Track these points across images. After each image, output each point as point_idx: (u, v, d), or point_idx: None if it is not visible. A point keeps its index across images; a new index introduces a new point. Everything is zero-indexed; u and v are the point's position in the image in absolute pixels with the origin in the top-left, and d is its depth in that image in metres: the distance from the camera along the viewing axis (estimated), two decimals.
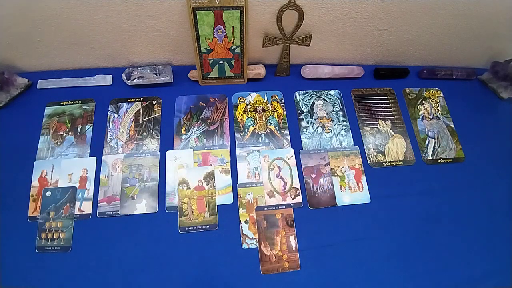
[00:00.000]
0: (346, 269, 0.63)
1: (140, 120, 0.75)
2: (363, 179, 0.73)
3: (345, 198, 0.70)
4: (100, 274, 0.61)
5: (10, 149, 0.70)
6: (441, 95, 0.86)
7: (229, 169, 0.71)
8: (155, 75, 0.78)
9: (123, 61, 0.80)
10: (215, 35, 0.71)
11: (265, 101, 0.80)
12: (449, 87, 0.87)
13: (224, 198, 0.68)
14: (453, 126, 0.81)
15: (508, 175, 0.76)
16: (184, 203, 0.67)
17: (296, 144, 0.75)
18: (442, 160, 0.77)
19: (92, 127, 0.74)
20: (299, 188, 0.70)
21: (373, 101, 0.83)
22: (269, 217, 0.67)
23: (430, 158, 0.77)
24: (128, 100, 0.77)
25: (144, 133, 0.74)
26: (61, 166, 0.69)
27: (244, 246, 0.64)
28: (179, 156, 0.71)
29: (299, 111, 0.79)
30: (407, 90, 0.86)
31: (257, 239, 0.64)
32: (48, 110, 0.75)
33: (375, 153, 0.76)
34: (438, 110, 0.83)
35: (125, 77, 0.76)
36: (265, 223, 0.66)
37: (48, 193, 0.66)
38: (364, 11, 0.70)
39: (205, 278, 0.61)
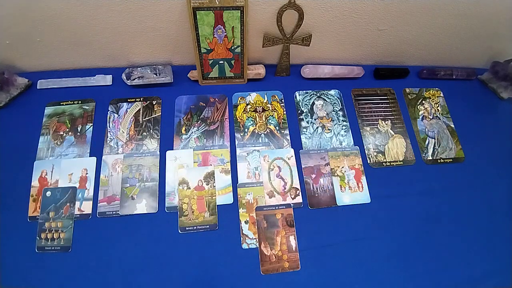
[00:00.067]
0: (346, 269, 0.63)
1: (140, 120, 0.75)
2: (363, 179, 0.73)
3: (345, 198, 0.70)
4: (100, 274, 0.61)
5: (10, 149, 0.70)
6: (441, 95, 0.86)
7: (229, 169, 0.71)
8: (155, 75, 0.78)
9: (123, 61, 0.80)
10: (215, 35, 0.71)
11: (265, 101, 0.80)
12: (449, 87, 0.87)
13: (224, 198, 0.68)
14: (453, 126, 0.81)
15: (508, 175, 0.76)
16: (184, 203, 0.67)
17: (296, 144, 0.75)
18: (442, 160, 0.77)
19: (92, 127, 0.74)
20: (299, 188, 0.70)
21: (373, 101, 0.83)
22: (269, 217, 0.67)
23: (430, 158, 0.77)
24: (128, 100, 0.77)
25: (144, 133, 0.74)
26: (61, 166, 0.69)
27: (244, 246, 0.64)
28: (179, 156, 0.71)
29: (299, 111, 0.79)
30: (407, 90, 0.86)
31: (257, 239, 0.64)
32: (48, 110, 0.75)
33: (375, 153, 0.76)
34: (438, 110, 0.83)
35: (125, 77, 0.76)
36: (265, 223, 0.66)
37: (48, 193, 0.66)
38: (364, 11, 0.70)
39: (205, 278, 0.61)
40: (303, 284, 0.62)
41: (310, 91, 0.82)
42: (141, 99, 0.77)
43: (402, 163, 0.75)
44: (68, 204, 0.66)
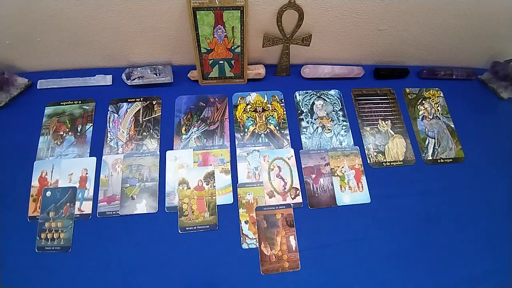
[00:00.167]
0: (346, 269, 0.63)
1: (140, 120, 0.75)
2: (363, 179, 0.73)
3: (345, 198, 0.70)
4: (100, 274, 0.61)
5: (10, 149, 0.70)
6: (441, 95, 0.86)
7: (229, 169, 0.71)
8: (155, 75, 0.78)
9: (123, 61, 0.80)
10: (215, 35, 0.70)
11: (265, 101, 0.80)
12: (449, 87, 0.87)
13: (224, 198, 0.68)
14: (453, 126, 0.81)
15: (508, 175, 0.76)
16: (184, 203, 0.67)
17: (296, 144, 0.75)
18: (442, 160, 0.77)
19: (92, 127, 0.74)
20: (299, 188, 0.70)
21: (373, 101, 0.83)
22: (269, 217, 0.67)
23: (430, 158, 0.77)
24: (128, 100, 0.77)
25: (144, 133, 0.74)
26: (61, 166, 0.69)
27: (244, 246, 0.64)
28: (179, 156, 0.71)
29: (299, 111, 0.79)
30: (407, 90, 0.86)
31: (257, 239, 0.64)
32: (48, 110, 0.75)
33: (375, 153, 0.76)
34: (438, 110, 0.83)
35: (125, 77, 0.76)
36: (265, 223, 0.66)
37: (48, 193, 0.66)
38: (364, 11, 0.70)
39: (205, 278, 0.61)
40: (303, 284, 0.62)
41: (310, 91, 0.82)
42: (141, 99, 0.77)
43: (402, 163, 0.75)
44: (68, 204, 0.66)
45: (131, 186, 0.68)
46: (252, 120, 0.77)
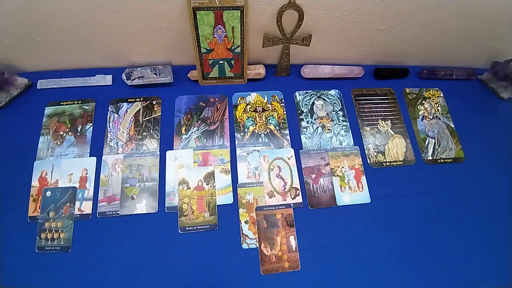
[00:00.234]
0: (346, 269, 0.63)
1: (140, 120, 0.75)
2: (363, 179, 0.73)
3: (345, 198, 0.70)
4: (100, 274, 0.61)
5: (10, 149, 0.70)
6: (441, 95, 0.86)
7: (229, 169, 0.71)
8: (155, 75, 0.78)
9: (123, 61, 0.80)
10: (215, 35, 0.70)
11: (265, 101, 0.80)
12: (449, 87, 0.87)
13: (224, 198, 0.68)
14: (453, 126, 0.81)
15: (508, 175, 0.76)
16: (184, 203, 0.67)
17: (296, 144, 0.75)
18: (442, 160, 0.77)
19: (92, 127, 0.74)
20: (299, 188, 0.70)
21: (373, 101, 0.83)
22: (269, 217, 0.67)
23: (430, 158, 0.77)
24: (128, 100, 0.77)
25: (144, 133, 0.74)
26: (61, 166, 0.69)
27: (244, 246, 0.64)
28: (179, 156, 0.71)
29: (299, 111, 0.79)
30: (407, 90, 0.86)
31: (257, 239, 0.64)
32: (48, 110, 0.75)
33: (375, 153, 0.76)
34: (438, 110, 0.83)
35: (125, 77, 0.76)
36: (265, 223, 0.66)
37: (48, 193, 0.66)
38: (364, 11, 0.70)
39: (205, 278, 0.61)
40: (303, 284, 0.62)
41: (310, 91, 0.82)
42: (141, 99, 0.77)
43: (402, 163, 0.75)
44: (68, 204, 0.66)
45: (131, 186, 0.68)
46: (252, 120, 0.77)
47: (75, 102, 0.76)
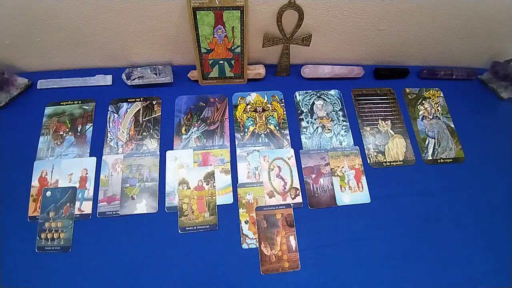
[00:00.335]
0: (346, 269, 0.63)
1: (140, 120, 0.75)
2: (363, 179, 0.73)
3: (345, 198, 0.70)
4: (100, 274, 0.61)
5: (10, 149, 0.70)
6: (441, 95, 0.86)
7: (229, 169, 0.71)
8: (155, 75, 0.78)
9: (123, 61, 0.80)
10: (215, 35, 0.70)
11: (265, 101, 0.80)
12: (449, 87, 0.87)
13: (224, 198, 0.68)
14: (453, 126, 0.81)
15: (508, 175, 0.76)
16: (184, 203, 0.67)
17: (296, 144, 0.75)
18: (442, 160, 0.77)
19: (92, 127, 0.74)
20: (299, 188, 0.70)
21: (373, 101, 0.83)
22: (269, 217, 0.67)
23: (430, 158, 0.77)
24: (128, 100, 0.77)
25: (144, 133, 0.74)
26: (61, 166, 0.69)
27: (244, 246, 0.64)
28: (179, 156, 0.71)
29: (299, 111, 0.79)
30: (407, 90, 0.86)
31: (257, 239, 0.64)
32: (48, 110, 0.75)
33: (375, 153, 0.76)
34: (438, 110, 0.83)
35: (125, 77, 0.77)
36: (265, 223, 0.66)
37: (48, 193, 0.66)
38: (364, 11, 0.70)
39: (205, 278, 0.61)
40: (303, 284, 0.62)
41: (310, 91, 0.82)
42: (141, 99, 0.77)
43: (402, 163, 0.75)
44: (68, 204, 0.66)
45: (131, 186, 0.68)
46: (252, 120, 0.77)
47: (75, 102, 0.76)
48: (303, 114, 0.79)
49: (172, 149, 0.72)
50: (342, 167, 0.73)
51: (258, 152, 0.73)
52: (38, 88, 0.77)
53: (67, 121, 0.74)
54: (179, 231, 0.65)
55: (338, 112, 0.80)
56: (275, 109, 0.79)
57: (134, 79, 0.77)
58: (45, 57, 0.77)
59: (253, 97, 0.80)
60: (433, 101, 0.85)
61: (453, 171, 0.76)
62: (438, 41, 0.82)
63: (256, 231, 0.65)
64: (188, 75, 0.80)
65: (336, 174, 0.72)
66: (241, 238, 0.65)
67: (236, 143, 0.74)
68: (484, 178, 0.75)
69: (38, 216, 0.64)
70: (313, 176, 0.72)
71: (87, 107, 0.76)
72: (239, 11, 0.66)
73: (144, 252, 0.62)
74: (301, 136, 0.76)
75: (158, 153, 0.72)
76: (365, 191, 0.71)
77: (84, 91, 0.78)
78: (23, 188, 0.67)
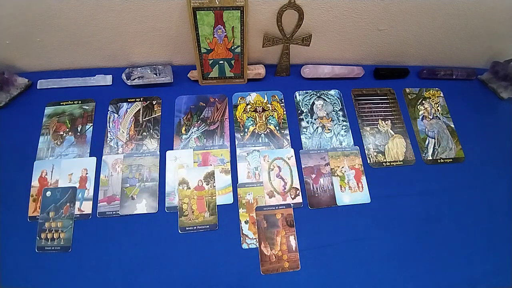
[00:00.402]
0: (346, 269, 0.63)
1: (140, 120, 0.75)
2: (363, 179, 0.73)
3: (345, 198, 0.70)
4: (100, 274, 0.61)
5: (10, 149, 0.70)
6: (441, 95, 0.86)
7: (229, 169, 0.71)
8: (155, 75, 0.78)
9: (123, 61, 0.80)
10: (215, 35, 0.70)
11: (265, 101, 0.80)
12: (449, 87, 0.87)
13: (224, 198, 0.68)
14: (453, 126, 0.81)
15: (508, 175, 0.76)
16: (184, 203, 0.67)
17: (296, 144, 0.75)
18: (442, 160, 0.77)
19: (92, 127, 0.74)
20: (299, 188, 0.70)
21: (373, 101, 0.83)
22: (269, 217, 0.67)
23: (430, 158, 0.77)
24: (128, 100, 0.77)
25: (144, 133, 0.74)
26: (61, 166, 0.69)
27: (244, 246, 0.64)
28: (179, 156, 0.71)
29: (299, 111, 0.79)
30: (407, 90, 0.86)
31: (257, 239, 0.64)
32: (48, 110, 0.75)
33: (375, 153, 0.76)
34: (438, 110, 0.83)
35: (125, 77, 0.77)
36: (265, 223, 0.66)
37: (48, 193, 0.66)
38: (364, 11, 0.70)
39: (205, 278, 0.61)
40: (303, 284, 0.62)
41: (310, 91, 0.82)
42: (141, 99, 0.77)
43: (402, 163, 0.75)
44: (68, 204, 0.66)
45: (131, 186, 0.68)
46: (252, 120, 0.77)
47: (75, 102, 0.76)
48: (303, 114, 0.79)
49: (172, 149, 0.72)
50: (342, 167, 0.73)
51: (258, 152, 0.73)
52: (38, 88, 0.77)
53: (67, 121, 0.74)
54: (179, 231, 0.65)
55: (338, 112, 0.80)
56: (275, 109, 0.79)
57: (134, 79, 0.77)
58: (45, 57, 0.77)
59: (253, 97, 0.80)
60: (433, 101, 0.85)
61: (453, 171, 0.76)
62: (438, 41, 0.82)
63: (256, 231, 0.65)
64: (188, 75, 0.80)
65: (336, 174, 0.72)
66: (241, 238, 0.65)
67: (236, 143, 0.74)
68: (484, 178, 0.75)
69: (38, 216, 0.64)
70: (313, 176, 0.72)
71: (87, 107, 0.76)
72: (239, 11, 0.66)
73: (144, 252, 0.62)
74: (301, 136, 0.76)
75: (158, 153, 0.72)
76: (365, 191, 0.71)
77: (84, 91, 0.78)
78: (23, 188, 0.67)
